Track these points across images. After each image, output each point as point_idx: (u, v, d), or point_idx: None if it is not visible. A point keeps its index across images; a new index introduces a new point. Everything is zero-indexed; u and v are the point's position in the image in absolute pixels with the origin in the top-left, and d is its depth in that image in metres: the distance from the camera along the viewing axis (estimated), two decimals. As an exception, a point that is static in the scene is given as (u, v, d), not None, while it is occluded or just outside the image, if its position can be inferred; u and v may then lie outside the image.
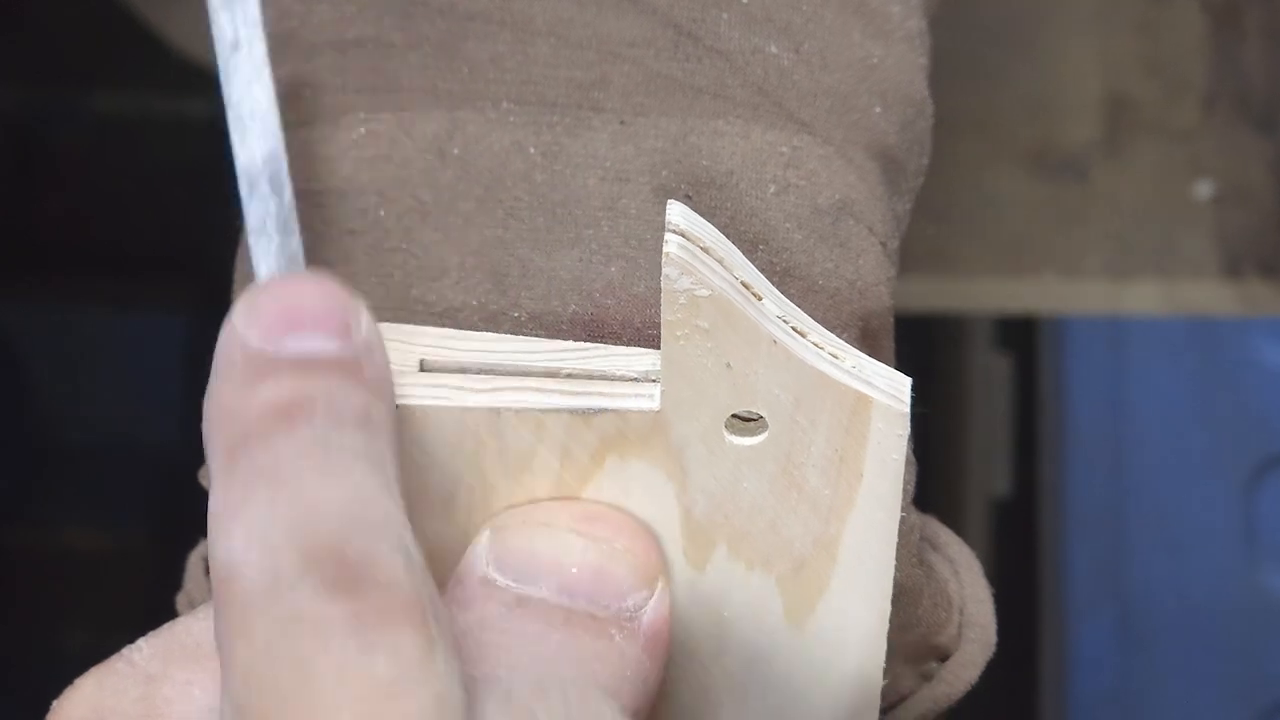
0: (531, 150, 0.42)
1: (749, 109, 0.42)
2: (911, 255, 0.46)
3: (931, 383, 1.11)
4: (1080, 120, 0.93)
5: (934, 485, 1.09)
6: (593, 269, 0.41)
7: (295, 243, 0.37)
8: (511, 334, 0.40)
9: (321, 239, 0.42)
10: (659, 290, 0.36)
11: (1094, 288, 0.92)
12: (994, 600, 0.45)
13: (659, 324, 0.37)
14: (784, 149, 0.42)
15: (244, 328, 0.34)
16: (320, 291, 0.35)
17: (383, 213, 0.42)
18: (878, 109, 0.43)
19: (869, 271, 0.42)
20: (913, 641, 0.44)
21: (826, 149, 0.42)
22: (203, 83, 0.98)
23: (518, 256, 0.41)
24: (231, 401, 0.34)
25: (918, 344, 1.10)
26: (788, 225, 0.41)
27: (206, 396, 0.35)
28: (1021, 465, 1.10)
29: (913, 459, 0.41)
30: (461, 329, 0.40)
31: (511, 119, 0.42)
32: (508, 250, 0.41)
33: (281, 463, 0.33)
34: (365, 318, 0.35)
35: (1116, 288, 0.92)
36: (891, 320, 0.43)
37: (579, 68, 0.42)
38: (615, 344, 0.40)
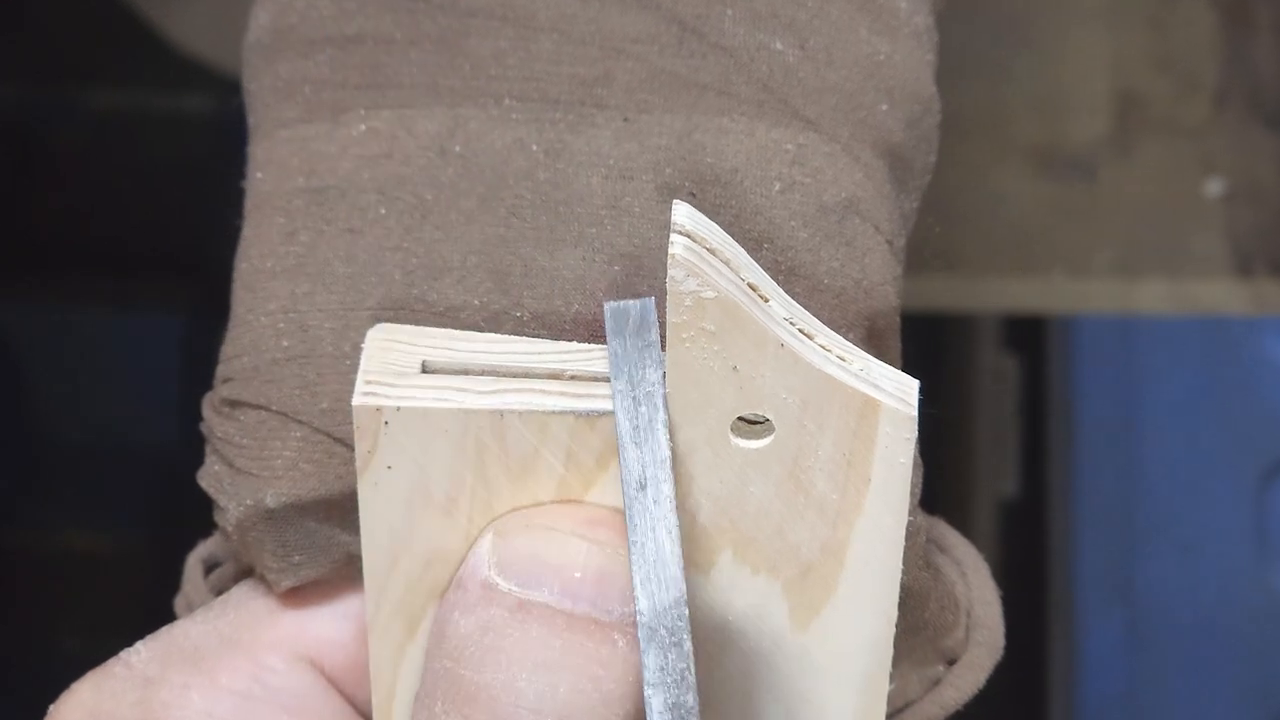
0: (534, 148, 0.42)
1: (754, 106, 0.42)
2: (918, 254, 0.46)
3: (938, 383, 1.11)
4: (1089, 117, 0.93)
5: (941, 487, 1.08)
6: (596, 268, 0.41)
7: (690, 699, 0.36)
8: (514, 335, 0.40)
9: (321, 238, 0.42)
10: (664, 290, 0.36)
11: (1103, 287, 0.92)
12: (1002, 603, 0.45)
13: (664, 325, 0.37)
14: (789, 146, 0.42)
15: None
16: None
17: (383, 211, 0.42)
18: (884, 106, 0.43)
19: (875, 270, 0.41)
20: (919, 645, 0.44)
21: (832, 146, 0.42)
22: (202, 79, 0.99)
23: (520, 255, 0.41)
24: None
25: (924, 344, 1.10)
26: (793, 224, 0.41)
27: None
28: (1030, 466, 1.10)
29: (919, 460, 0.41)
30: (463, 329, 0.40)
31: (514, 116, 0.42)
32: (510, 249, 0.41)
33: None
34: None
35: (1126, 287, 0.92)
36: (898, 320, 0.42)
37: (582, 64, 0.42)
38: None
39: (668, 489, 0.36)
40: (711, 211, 0.41)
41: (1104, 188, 0.92)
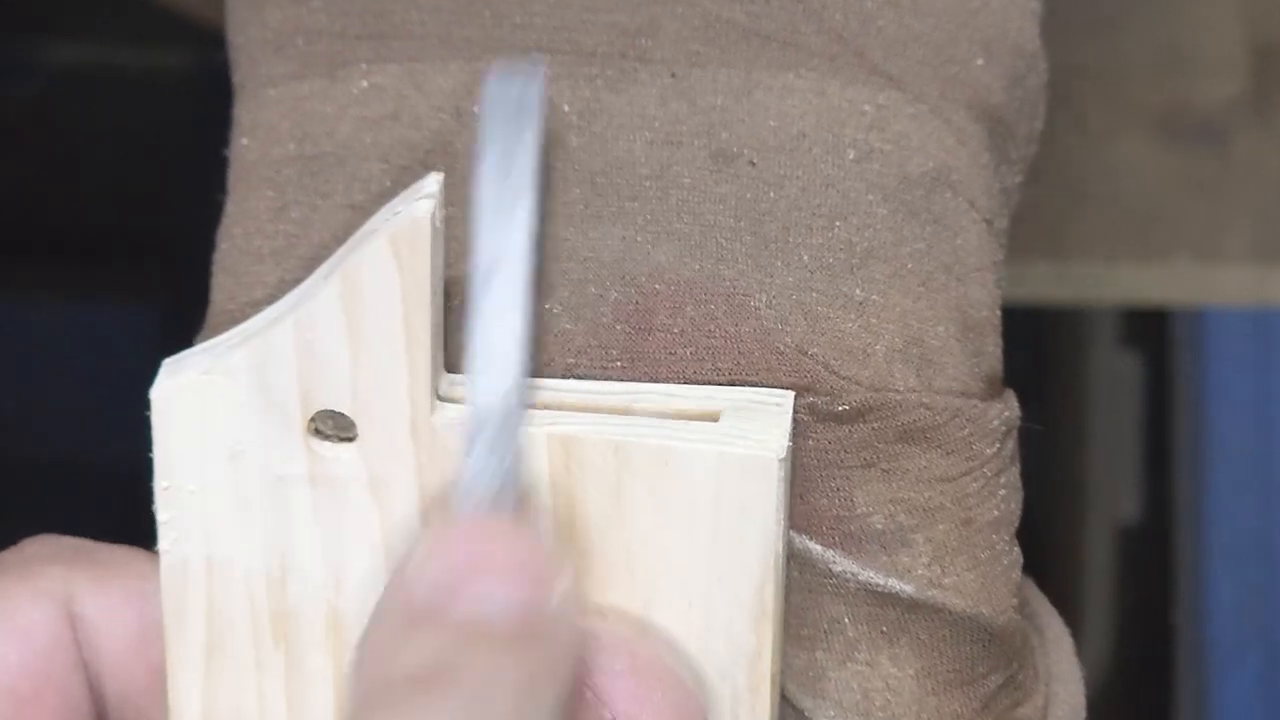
0: (566, 109, 0.42)
1: (825, 60, 0.42)
2: (1022, 235, 0.46)
3: (1046, 387, 1.11)
4: (1221, 76, 0.92)
5: (1049, 510, 1.08)
6: (638, 249, 0.41)
7: (515, 497, 0.38)
8: (543, 331, 0.40)
9: (316, 214, 0.42)
10: (716, 275, 0.36)
11: (1236, 273, 0.92)
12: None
13: (715, 315, 0.37)
14: (867, 107, 0.42)
15: (419, 568, 0.36)
16: (517, 546, 0.36)
17: (389, 183, 0.42)
18: (980, 61, 0.43)
19: (969, 254, 0.41)
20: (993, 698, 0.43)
21: (918, 108, 0.42)
22: (179, 31, 0.99)
23: (550, 235, 0.41)
24: (385, 647, 0.35)
25: (1030, 342, 1.10)
26: (870, 197, 0.41)
27: (369, 623, 0.36)
28: (1153, 484, 1.10)
29: (1019, 484, 0.41)
30: None
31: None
32: (538, 227, 0.41)
33: None
34: (564, 584, 0.36)
35: (1263, 273, 0.91)
36: (998, 313, 0.42)
37: (623, 10, 0.42)
38: (664, 336, 0.40)
39: (521, 270, 0.38)
40: (775, 182, 0.41)
41: (1238, 158, 0.92)
